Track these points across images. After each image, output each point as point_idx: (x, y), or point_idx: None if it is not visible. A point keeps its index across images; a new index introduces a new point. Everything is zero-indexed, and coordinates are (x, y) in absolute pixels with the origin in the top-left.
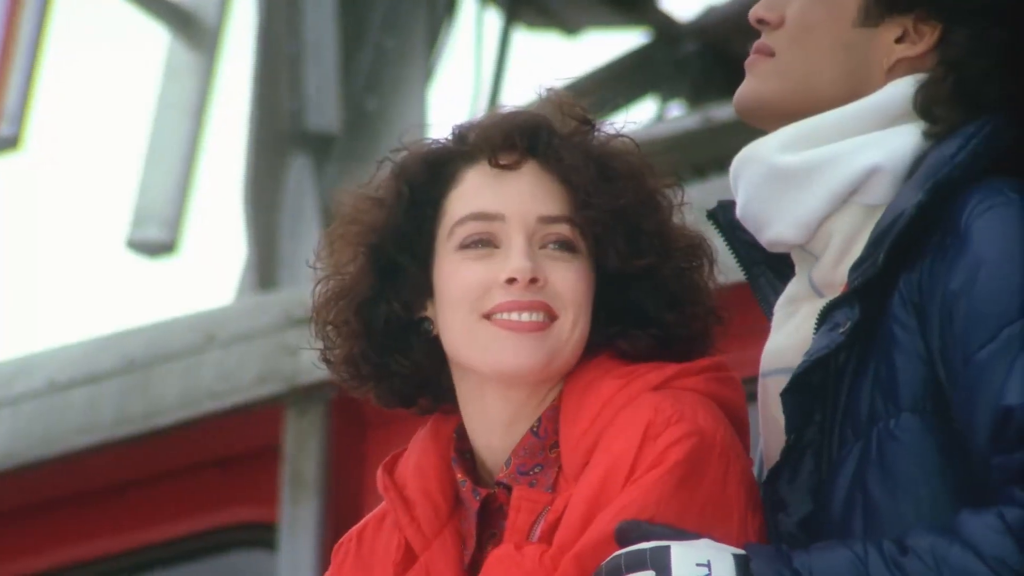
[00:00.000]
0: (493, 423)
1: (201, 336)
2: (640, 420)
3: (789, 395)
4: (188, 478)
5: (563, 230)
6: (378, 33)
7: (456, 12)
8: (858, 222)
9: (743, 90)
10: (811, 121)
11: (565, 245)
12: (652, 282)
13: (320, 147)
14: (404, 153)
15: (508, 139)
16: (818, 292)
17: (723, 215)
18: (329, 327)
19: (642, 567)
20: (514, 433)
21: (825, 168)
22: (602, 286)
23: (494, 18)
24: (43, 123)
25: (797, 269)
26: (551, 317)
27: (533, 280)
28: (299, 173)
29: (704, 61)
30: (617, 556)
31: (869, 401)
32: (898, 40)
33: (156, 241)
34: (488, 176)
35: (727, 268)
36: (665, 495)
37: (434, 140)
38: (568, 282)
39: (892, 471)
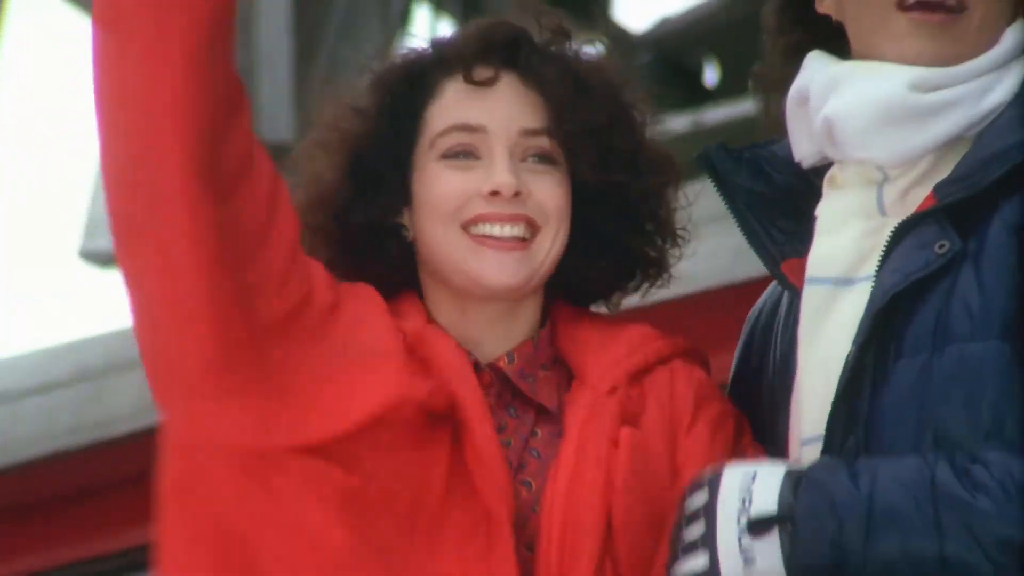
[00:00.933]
0: (473, 324)
1: None
2: (695, 377)
3: (879, 316)
4: (143, 487)
5: (544, 143)
6: (332, 43)
7: (410, 21)
8: (946, 148)
9: (934, 50)
10: (947, 71)
11: (546, 158)
12: (621, 200)
13: (274, 156)
14: (383, 63)
15: (488, 52)
16: (883, 210)
17: (718, 159)
18: (307, 231)
19: (698, 489)
20: (498, 330)
21: (951, 111)
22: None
23: (448, 28)
24: None
25: (851, 183)
26: (532, 229)
27: (516, 194)
28: None
29: (658, 72)
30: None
31: (942, 319)
32: None
33: (109, 251)
34: (469, 88)
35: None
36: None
37: (413, 50)
38: (550, 194)
39: (963, 393)
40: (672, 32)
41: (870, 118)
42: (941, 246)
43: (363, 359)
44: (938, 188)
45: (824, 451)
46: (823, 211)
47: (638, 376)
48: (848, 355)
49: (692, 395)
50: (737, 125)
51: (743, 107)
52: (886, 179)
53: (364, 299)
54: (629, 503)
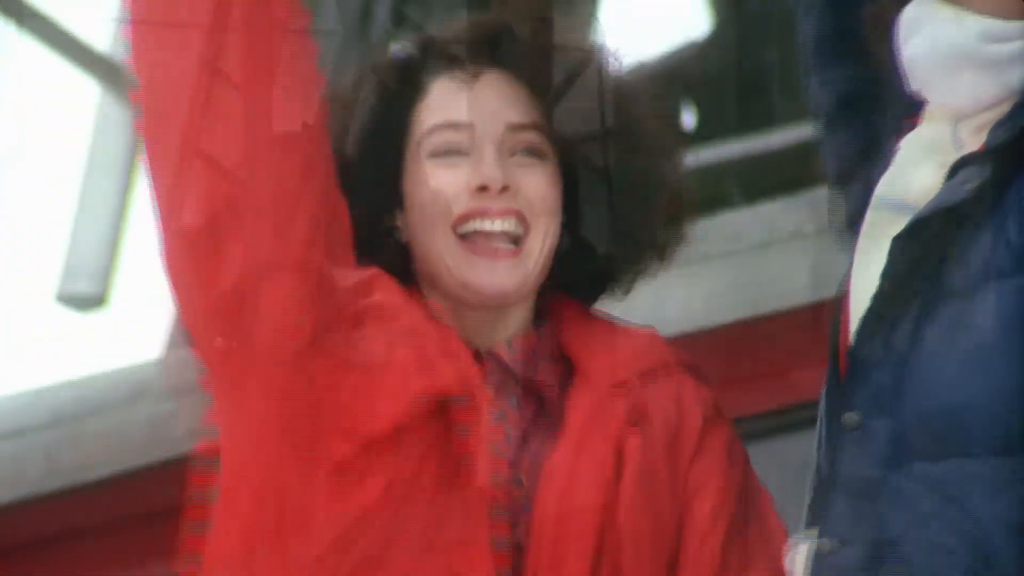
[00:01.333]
0: (467, 324)
1: (131, 390)
2: (704, 395)
3: (901, 241)
4: (117, 532)
5: (532, 137)
6: None
7: None
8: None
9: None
10: (1021, 23)
11: (534, 152)
12: (620, 183)
13: None
14: (370, 64)
15: (473, 48)
16: (957, 145)
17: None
18: None
19: None
20: (490, 329)
21: (1022, 61)
22: (568, 194)
23: None
24: None
25: (935, 117)
26: (523, 225)
27: (504, 188)
28: None
29: None
30: None
31: (986, 258)
32: None
33: (86, 295)
34: (455, 85)
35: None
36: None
37: (399, 51)
38: (539, 188)
39: (999, 326)
40: (648, 77)
41: (939, 64)
42: (963, 182)
43: (395, 353)
44: (992, 129)
45: (855, 377)
46: (905, 142)
47: (644, 380)
48: (877, 287)
49: (700, 414)
50: (715, 169)
51: (721, 151)
52: (964, 117)
53: (388, 287)
54: (636, 520)
